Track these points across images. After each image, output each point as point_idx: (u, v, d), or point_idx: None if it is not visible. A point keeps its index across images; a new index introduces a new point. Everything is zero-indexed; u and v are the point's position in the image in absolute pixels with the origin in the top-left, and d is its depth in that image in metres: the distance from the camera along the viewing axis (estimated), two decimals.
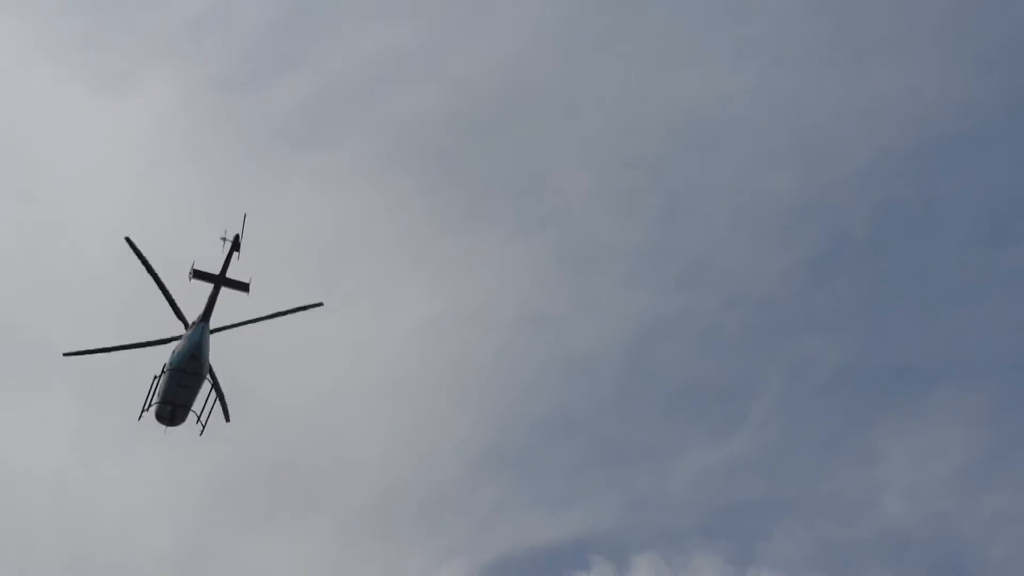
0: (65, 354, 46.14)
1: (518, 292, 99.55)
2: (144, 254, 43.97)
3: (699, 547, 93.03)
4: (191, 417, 46.00)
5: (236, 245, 44.07)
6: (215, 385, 45.83)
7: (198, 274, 44.69)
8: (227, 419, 47.11)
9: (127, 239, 44.06)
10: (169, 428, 46.12)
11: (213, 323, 45.36)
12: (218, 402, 46.35)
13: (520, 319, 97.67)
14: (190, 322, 45.38)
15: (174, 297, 45.24)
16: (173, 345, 45.69)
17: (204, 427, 45.92)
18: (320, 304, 46.02)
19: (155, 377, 45.54)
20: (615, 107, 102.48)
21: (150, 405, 45.80)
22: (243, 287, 44.81)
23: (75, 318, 78.90)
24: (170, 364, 45.30)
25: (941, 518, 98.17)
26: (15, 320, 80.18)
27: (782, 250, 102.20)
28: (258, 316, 45.75)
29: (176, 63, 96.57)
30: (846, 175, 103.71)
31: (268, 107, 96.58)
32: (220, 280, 44.56)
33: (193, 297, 45.87)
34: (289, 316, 46.14)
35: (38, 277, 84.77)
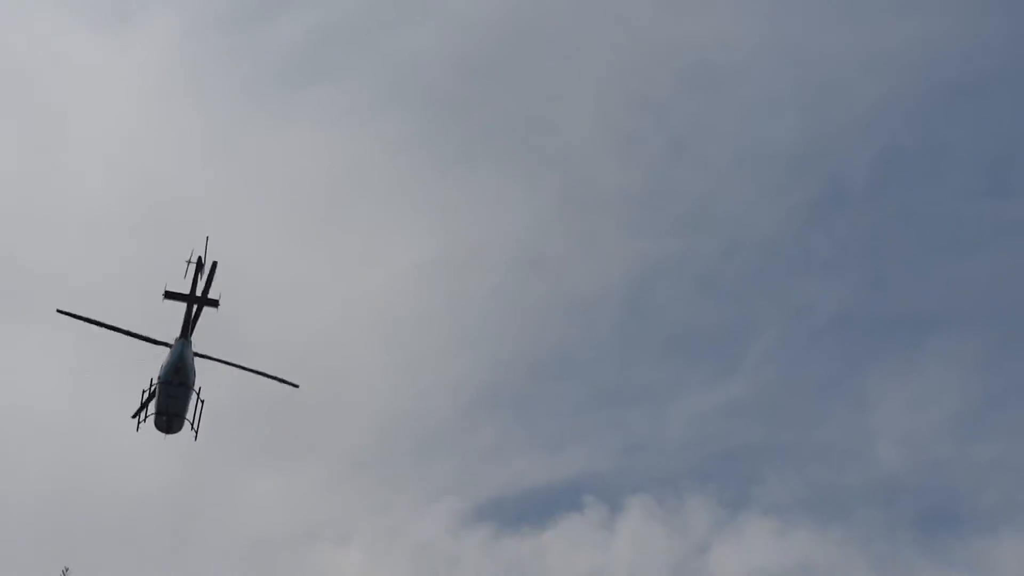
0: (59, 311, 48.53)
1: (518, 234, 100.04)
2: (85, 316, 46.52)
3: (692, 490, 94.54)
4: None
5: (201, 266, 46.14)
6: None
7: (169, 295, 47.00)
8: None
9: (59, 311, 46.56)
10: (168, 436, 49.14)
11: (200, 347, 48.12)
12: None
13: (519, 260, 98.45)
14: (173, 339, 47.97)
15: (141, 332, 47.68)
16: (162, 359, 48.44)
17: (197, 434, 48.75)
18: (296, 386, 48.86)
19: (143, 391, 48.39)
20: (618, 50, 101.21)
21: (146, 416, 48.71)
22: (213, 303, 47.05)
23: (74, 250, 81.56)
24: (158, 378, 48.08)
25: (934, 465, 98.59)
26: (16, 253, 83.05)
27: (782, 195, 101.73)
28: (243, 366, 48.85)
29: (177, 1, 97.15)
30: (848, 122, 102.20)
31: (268, 45, 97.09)
32: (191, 299, 46.84)
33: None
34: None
35: (39, 212, 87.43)
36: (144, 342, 48.42)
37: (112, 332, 47.86)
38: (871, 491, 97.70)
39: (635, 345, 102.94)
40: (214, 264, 46.46)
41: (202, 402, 48.60)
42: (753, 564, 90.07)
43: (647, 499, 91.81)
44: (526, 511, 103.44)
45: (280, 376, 49.09)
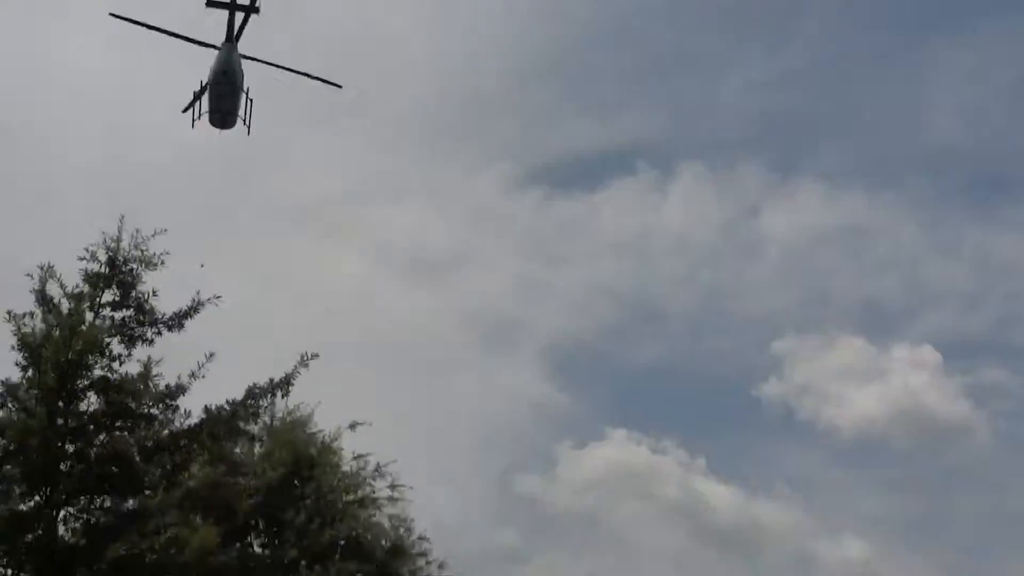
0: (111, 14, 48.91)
1: None
2: (137, 20, 45.73)
3: (744, 157, 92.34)
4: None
5: None
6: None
7: (211, 3, 46.58)
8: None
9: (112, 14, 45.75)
10: (222, 131, 50.30)
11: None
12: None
13: None
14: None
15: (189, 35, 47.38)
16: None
17: (249, 128, 49.61)
18: (339, 86, 47.89)
19: (194, 92, 48.91)
20: None
21: (200, 114, 49.60)
22: (254, 10, 46.55)
23: None
24: (208, 80, 48.63)
25: (988, 134, 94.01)
26: None
27: None
28: (288, 67, 47.94)
29: None
30: None
31: None
32: (231, 7, 46.44)
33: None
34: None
35: None
36: (193, 44, 48.42)
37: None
38: (924, 159, 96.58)
39: (689, 15, 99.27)
40: None
41: (251, 100, 49.15)
42: (803, 225, 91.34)
43: (699, 165, 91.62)
44: (579, 176, 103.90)
45: (323, 77, 48.87)
